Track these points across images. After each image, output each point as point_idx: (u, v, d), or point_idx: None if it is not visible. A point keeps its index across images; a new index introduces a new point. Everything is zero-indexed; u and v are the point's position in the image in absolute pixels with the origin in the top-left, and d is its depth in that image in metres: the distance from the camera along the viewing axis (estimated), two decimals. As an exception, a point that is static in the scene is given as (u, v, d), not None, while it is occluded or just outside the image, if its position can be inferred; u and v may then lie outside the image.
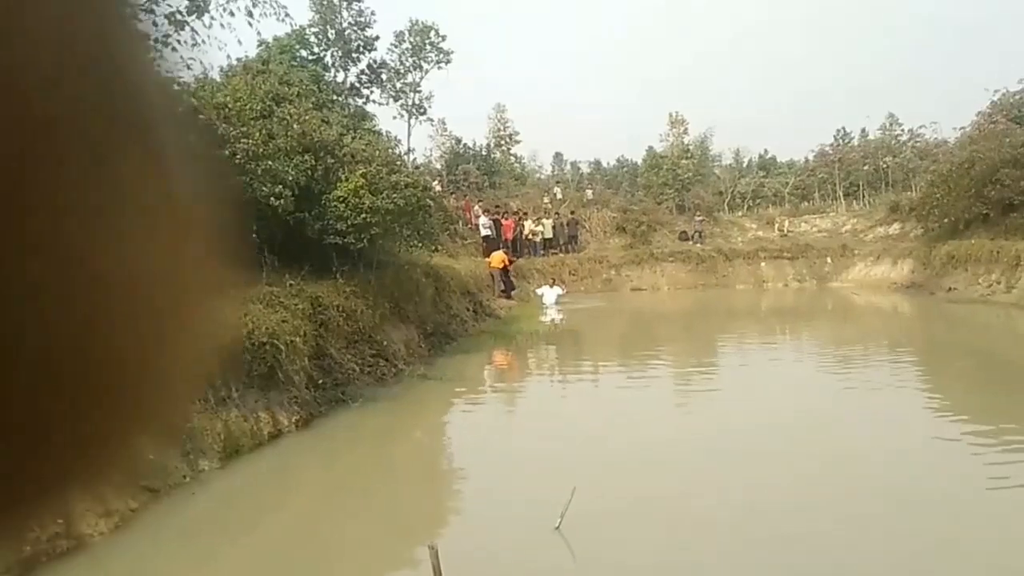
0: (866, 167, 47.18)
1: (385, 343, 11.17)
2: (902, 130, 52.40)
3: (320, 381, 8.73)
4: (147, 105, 0.32)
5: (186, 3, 16.47)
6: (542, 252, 28.97)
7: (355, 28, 37.61)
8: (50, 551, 4.38)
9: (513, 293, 22.80)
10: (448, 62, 41.23)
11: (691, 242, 32.04)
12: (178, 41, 16.50)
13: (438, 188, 19.05)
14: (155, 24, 15.98)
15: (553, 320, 20.69)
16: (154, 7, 16.31)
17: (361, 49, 38.10)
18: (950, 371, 11.41)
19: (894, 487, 5.70)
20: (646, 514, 5.37)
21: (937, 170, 29.02)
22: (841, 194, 43.98)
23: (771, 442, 7.12)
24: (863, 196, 42.95)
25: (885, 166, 46.22)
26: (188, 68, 16.57)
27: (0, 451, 0.27)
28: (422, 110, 42.31)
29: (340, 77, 37.39)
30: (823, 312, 22.22)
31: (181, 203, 0.33)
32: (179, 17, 16.44)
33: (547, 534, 4.76)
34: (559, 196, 35.08)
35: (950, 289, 21.93)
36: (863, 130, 55.43)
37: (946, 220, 24.67)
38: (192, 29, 16.76)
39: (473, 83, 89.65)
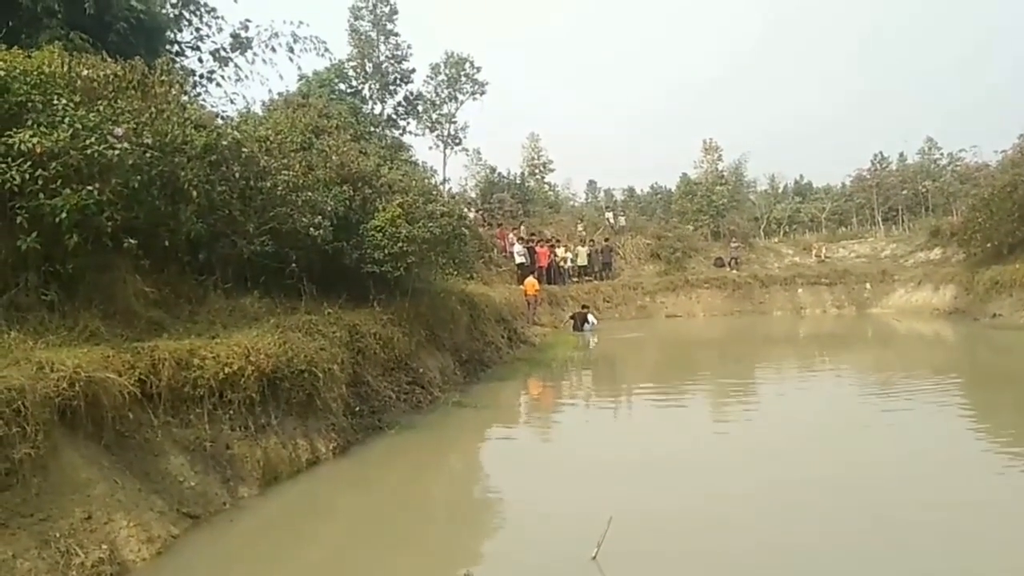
0: (904, 192, 46.62)
1: (421, 370, 11.23)
2: (941, 154, 51.77)
3: (357, 408, 8.80)
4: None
5: (230, 40, 17.03)
6: (575, 279, 28.94)
7: (392, 61, 38.33)
8: (95, 576, 4.46)
9: (586, 328, 22.79)
10: (483, 93, 41.83)
11: (727, 268, 31.81)
12: (222, 77, 17.07)
13: (472, 216, 19.19)
14: (201, 61, 16.54)
15: (587, 346, 20.61)
16: (200, 44, 16.84)
17: (398, 81, 38.81)
18: (998, 399, 11.12)
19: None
20: (682, 544, 5.31)
21: (979, 194, 28.53)
22: (880, 219, 43.49)
23: (812, 484, 7.00)
24: (902, 221, 42.40)
25: (924, 190, 45.61)
26: (232, 102, 17.14)
27: None
28: (457, 140, 42.92)
29: (377, 109, 38.09)
30: (863, 339, 21.82)
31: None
32: (224, 54, 17.02)
33: (584, 564, 4.73)
34: (611, 221, 35.15)
35: (995, 315, 21.42)
36: (901, 154, 54.88)
37: (989, 245, 24.21)
38: (236, 65, 17.33)
39: (506, 113, 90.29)
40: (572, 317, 23.32)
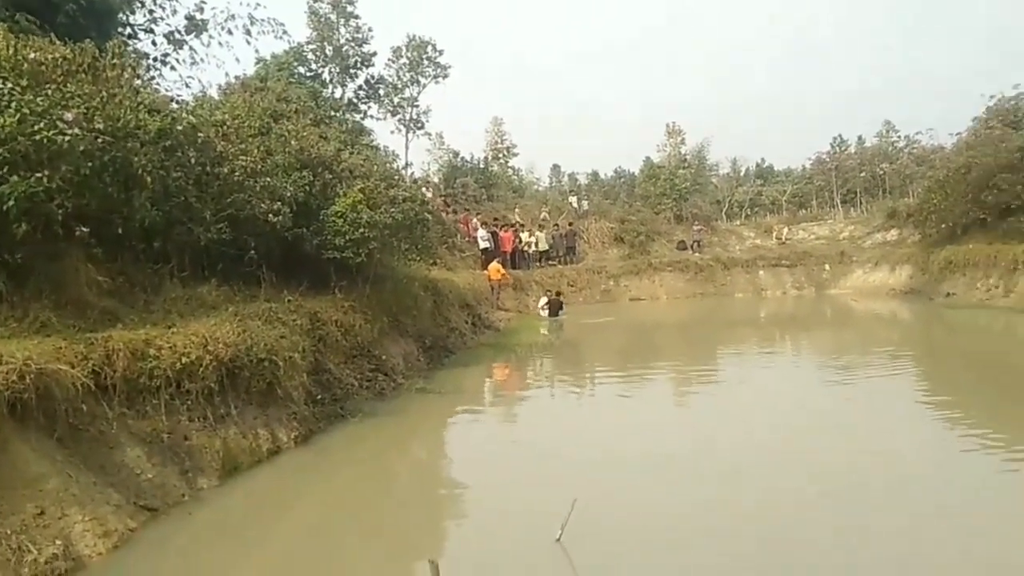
0: (863, 174, 47.40)
1: (384, 357, 11.17)
2: (898, 136, 52.72)
3: (319, 396, 8.72)
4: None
5: (185, 23, 16.62)
6: (538, 264, 28.98)
7: (353, 44, 37.81)
8: (48, 573, 4.36)
9: (561, 314, 22.86)
10: (446, 76, 41.48)
11: (689, 251, 32.11)
12: (177, 60, 16.67)
13: (429, 195, 19.06)
14: (154, 44, 16.14)
15: (560, 330, 20.69)
16: (153, 27, 16.41)
17: (359, 65, 38.31)
18: (952, 377, 11.42)
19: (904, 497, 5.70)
20: (647, 525, 5.37)
21: (934, 176, 29.14)
22: (839, 201, 44.15)
23: (773, 455, 7.14)
24: (860, 203, 43.12)
25: (882, 173, 46.41)
26: (187, 86, 16.75)
27: None
28: (420, 124, 42.55)
29: (338, 93, 37.60)
30: (822, 319, 22.23)
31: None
32: (178, 36, 16.60)
33: (548, 546, 4.75)
34: (575, 205, 35.19)
35: (949, 294, 21.95)
36: (859, 137, 55.79)
37: (944, 225, 24.73)
38: (191, 48, 16.93)
39: (471, 95, 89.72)
40: (548, 303, 23.33)
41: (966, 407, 8.87)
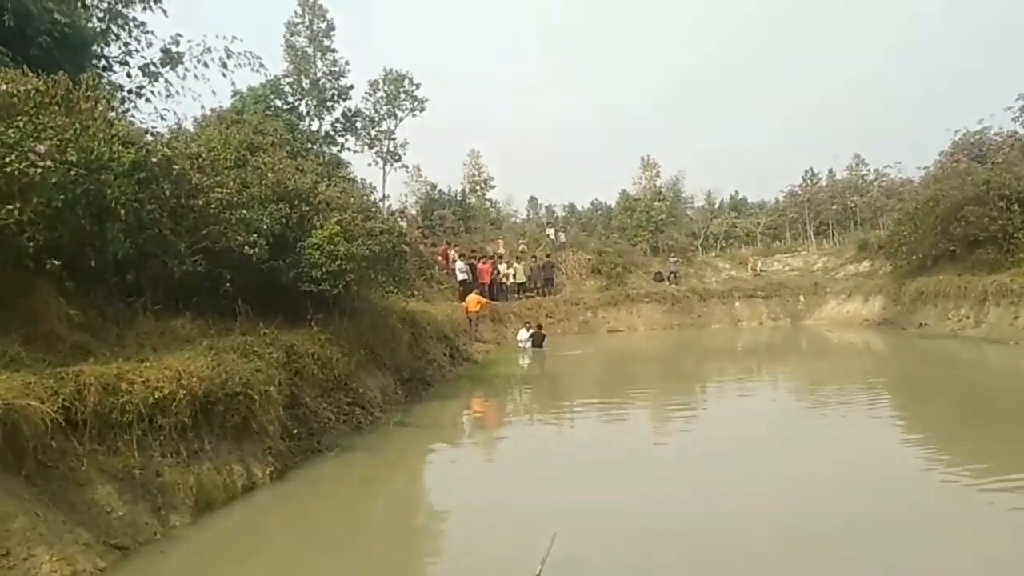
0: (834, 206, 48.12)
1: (361, 390, 11.06)
2: (868, 170, 53.62)
3: (295, 431, 8.59)
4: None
5: (160, 55, 16.62)
6: (516, 296, 28.98)
7: (329, 78, 38.00)
8: (14, 615, 4.22)
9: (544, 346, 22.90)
10: (423, 109, 41.76)
11: (666, 283, 32.32)
12: (152, 92, 16.67)
13: (406, 226, 19.07)
14: (129, 76, 16.10)
15: (530, 363, 20.64)
16: (128, 59, 16.35)
17: (336, 98, 38.47)
18: (926, 407, 11.51)
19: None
20: (627, 561, 5.31)
21: (903, 208, 29.63)
22: (812, 233, 44.76)
23: (755, 486, 7.12)
24: (833, 235, 43.75)
25: (853, 205, 47.15)
26: (162, 118, 16.70)
27: None
28: (397, 157, 42.74)
29: (315, 125, 37.68)
30: (798, 350, 22.38)
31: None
32: (153, 69, 16.61)
33: (528, 582, 4.68)
34: (552, 237, 35.36)
35: (921, 325, 22.23)
36: (830, 171, 56.65)
37: (914, 257, 25.12)
38: (166, 80, 16.94)
39: (447, 129, 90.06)
40: (532, 336, 23.32)
41: (934, 432, 8.94)
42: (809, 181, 54.93)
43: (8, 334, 6.18)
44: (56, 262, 6.47)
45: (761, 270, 35.13)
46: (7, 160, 6.17)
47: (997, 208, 21.12)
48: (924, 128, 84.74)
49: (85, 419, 5.68)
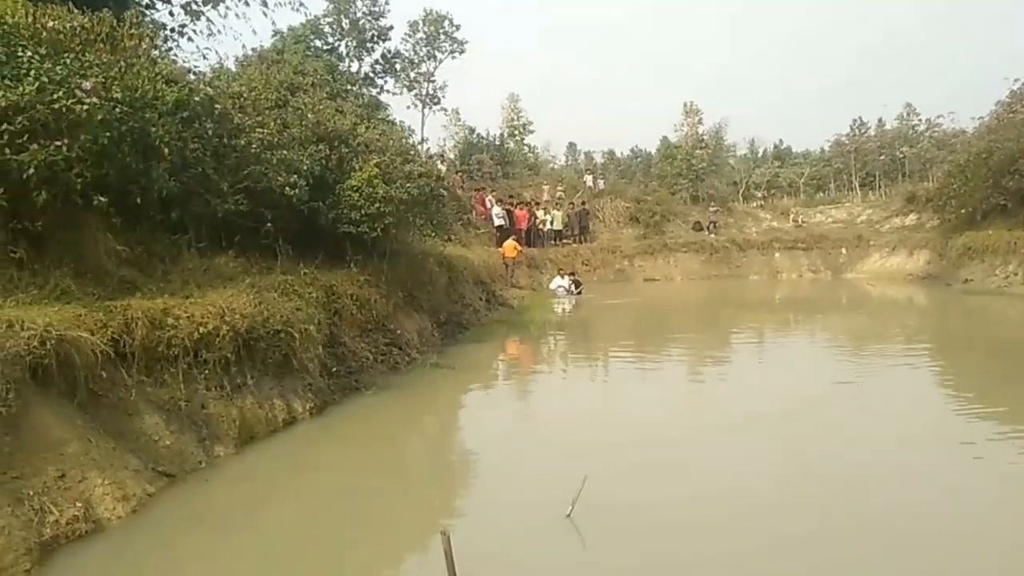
0: (882, 157, 46.82)
1: (398, 332, 11.22)
2: (919, 120, 51.97)
3: (334, 369, 8.79)
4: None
5: (202, -7, 16.54)
6: (553, 242, 28.93)
7: (369, 18, 37.61)
8: (69, 534, 4.45)
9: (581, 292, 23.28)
10: (462, 51, 41.24)
11: (705, 232, 31.92)
12: (194, 31, 16.62)
13: (443, 168, 19.02)
14: (171, 14, 16.12)
15: (565, 309, 20.71)
16: (172, -2, 16.28)
17: (375, 39, 38.15)
18: (967, 363, 11.34)
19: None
20: (657, 504, 5.38)
21: (955, 160, 28.72)
22: (857, 184, 43.66)
23: (785, 440, 7.13)
24: (879, 186, 42.62)
25: (902, 156, 45.85)
26: (204, 57, 16.72)
27: None
28: (436, 100, 42.39)
29: (354, 67, 37.50)
30: (838, 303, 22.09)
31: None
32: (195, 7, 16.54)
33: (558, 521, 4.79)
34: (590, 184, 35.02)
35: (966, 280, 21.75)
36: (880, 120, 54.90)
37: (963, 211, 24.44)
38: (208, 19, 16.87)
39: (487, 72, 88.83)
40: (573, 283, 23.62)
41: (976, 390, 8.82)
42: (857, 131, 53.42)
43: (59, 268, 6.36)
44: (103, 199, 6.61)
45: (803, 221, 34.50)
46: (55, 96, 6.26)
47: (1054, 162, 20.40)
48: (981, 78, 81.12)
49: (133, 351, 5.87)
